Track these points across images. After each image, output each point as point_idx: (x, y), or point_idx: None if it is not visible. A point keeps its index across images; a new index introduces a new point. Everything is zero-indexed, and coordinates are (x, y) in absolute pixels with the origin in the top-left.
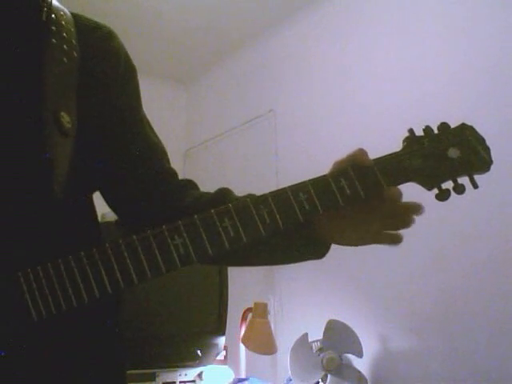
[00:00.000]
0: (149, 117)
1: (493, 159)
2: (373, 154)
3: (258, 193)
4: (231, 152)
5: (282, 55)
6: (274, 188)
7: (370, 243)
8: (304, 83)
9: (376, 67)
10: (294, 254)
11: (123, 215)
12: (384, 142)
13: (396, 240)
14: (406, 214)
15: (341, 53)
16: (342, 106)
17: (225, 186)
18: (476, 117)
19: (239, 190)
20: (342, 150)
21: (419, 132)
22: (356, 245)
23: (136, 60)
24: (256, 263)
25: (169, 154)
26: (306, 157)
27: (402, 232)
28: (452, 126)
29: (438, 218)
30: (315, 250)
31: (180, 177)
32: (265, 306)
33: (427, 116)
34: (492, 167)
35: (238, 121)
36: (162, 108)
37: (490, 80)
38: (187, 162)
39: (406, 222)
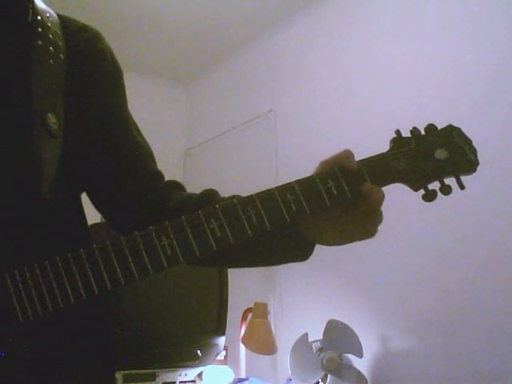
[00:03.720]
0: (149, 117)
1: (486, 160)
2: (372, 155)
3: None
4: (231, 152)
5: (282, 55)
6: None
7: (347, 242)
8: (304, 83)
9: (376, 67)
10: (279, 255)
11: (109, 217)
12: (384, 142)
13: (369, 236)
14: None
15: (341, 53)
16: (342, 105)
17: (224, 186)
18: (476, 117)
19: (239, 190)
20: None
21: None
22: (335, 244)
23: (136, 60)
24: (242, 265)
25: (169, 154)
26: (305, 157)
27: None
28: (455, 126)
29: (438, 219)
30: (300, 250)
31: (180, 177)
32: (265, 306)
33: (427, 116)
34: (491, 167)
35: (238, 121)
36: (162, 108)
37: (490, 81)
38: (187, 161)
39: (377, 218)
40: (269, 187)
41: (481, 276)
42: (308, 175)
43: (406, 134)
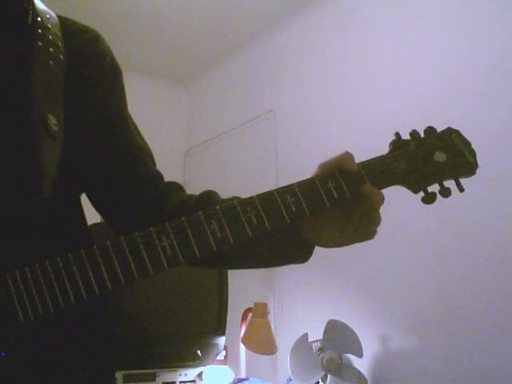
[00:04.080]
0: (149, 117)
1: (486, 160)
2: (373, 155)
3: (258, 193)
4: (231, 152)
5: (282, 55)
6: (273, 188)
7: (346, 244)
8: (304, 83)
9: (376, 67)
10: (279, 256)
11: (109, 218)
12: (383, 143)
13: (369, 238)
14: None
15: (341, 53)
16: (342, 106)
17: (224, 186)
18: (476, 118)
19: (239, 190)
20: (341, 150)
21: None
22: (334, 245)
23: (136, 60)
24: (242, 266)
25: (169, 154)
26: (305, 157)
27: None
28: (455, 127)
29: (438, 219)
30: (299, 251)
31: (180, 177)
32: (265, 306)
33: (427, 117)
34: (491, 167)
35: (238, 121)
36: (162, 108)
37: (490, 82)
38: (187, 161)
39: (375, 221)
40: (269, 187)
41: (481, 276)
42: (308, 175)
43: (405, 134)
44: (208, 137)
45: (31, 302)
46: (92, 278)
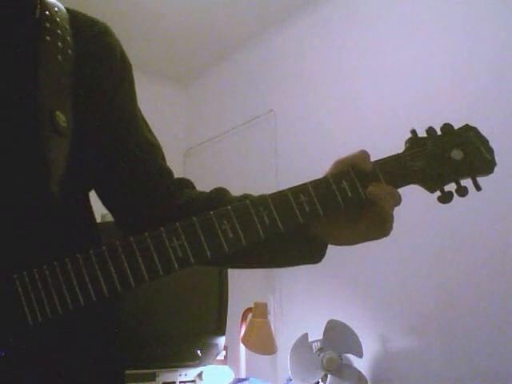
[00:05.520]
0: (149, 117)
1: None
2: (373, 154)
3: (258, 193)
4: (231, 152)
5: (282, 55)
6: (273, 188)
7: (359, 241)
8: (304, 83)
9: (376, 67)
10: (292, 257)
11: (119, 215)
12: (384, 142)
13: (383, 236)
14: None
15: (341, 53)
16: (342, 105)
17: (224, 186)
18: (477, 117)
19: (239, 190)
20: (342, 150)
21: (421, 133)
22: (345, 243)
23: (136, 60)
24: (252, 266)
25: (169, 154)
26: (305, 157)
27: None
28: (454, 126)
29: (438, 218)
30: (312, 251)
31: (180, 176)
32: (265, 306)
33: (428, 116)
34: None
35: (238, 121)
36: (162, 108)
37: (492, 80)
38: (187, 162)
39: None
40: (269, 187)
41: (481, 276)
42: (308, 175)
43: (406, 134)
44: (208, 137)
45: (39, 304)
46: (101, 279)
